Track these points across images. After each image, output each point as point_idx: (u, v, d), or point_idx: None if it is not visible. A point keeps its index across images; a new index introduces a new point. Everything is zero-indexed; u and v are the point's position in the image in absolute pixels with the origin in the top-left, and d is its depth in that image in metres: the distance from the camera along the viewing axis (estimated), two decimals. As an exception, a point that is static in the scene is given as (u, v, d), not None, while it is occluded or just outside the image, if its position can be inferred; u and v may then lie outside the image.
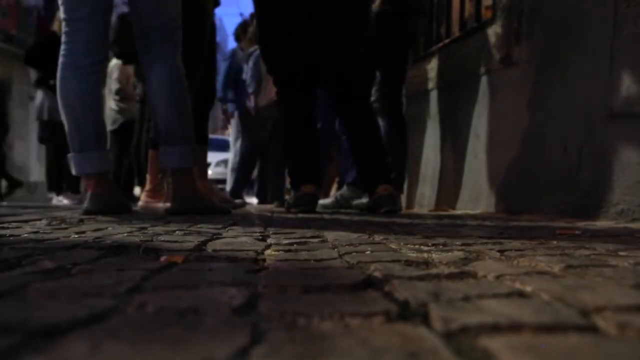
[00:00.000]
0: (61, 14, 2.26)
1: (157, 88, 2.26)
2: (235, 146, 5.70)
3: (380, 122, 2.95)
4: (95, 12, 2.23)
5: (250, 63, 5.11)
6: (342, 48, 2.56)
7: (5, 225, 1.50)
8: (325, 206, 3.07)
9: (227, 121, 6.03)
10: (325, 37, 2.53)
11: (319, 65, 2.59)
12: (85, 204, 2.23)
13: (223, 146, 6.12)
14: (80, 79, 2.22)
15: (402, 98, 3.31)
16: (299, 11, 2.51)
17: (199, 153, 2.60)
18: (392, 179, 2.83)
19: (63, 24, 2.26)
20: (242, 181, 5.45)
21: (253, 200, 5.46)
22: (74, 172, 2.29)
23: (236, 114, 5.63)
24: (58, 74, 2.24)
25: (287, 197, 4.10)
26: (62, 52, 2.23)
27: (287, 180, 5.76)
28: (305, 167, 2.72)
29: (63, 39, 2.24)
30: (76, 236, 1.20)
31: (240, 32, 5.87)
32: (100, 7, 2.24)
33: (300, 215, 2.34)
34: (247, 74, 5.20)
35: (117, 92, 5.37)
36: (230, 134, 5.88)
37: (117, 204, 2.25)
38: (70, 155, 2.25)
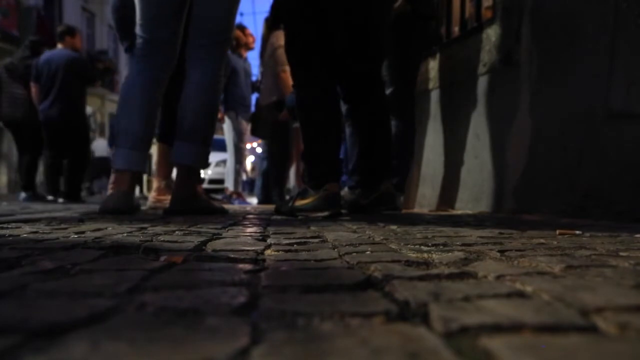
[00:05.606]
0: (137, 31, 2.34)
1: (196, 86, 2.33)
2: (232, 148, 5.72)
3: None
4: (176, 34, 2.36)
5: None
6: (362, 40, 2.52)
7: (5, 225, 1.50)
8: None
9: (221, 120, 6.08)
10: (346, 30, 2.49)
11: (339, 58, 2.54)
12: (108, 202, 2.23)
13: (223, 146, 6.11)
14: (150, 88, 2.33)
15: (414, 100, 3.23)
16: (321, 6, 2.48)
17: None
18: (396, 182, 2.82)
19: (139, 40, 2.35)
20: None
21: (253, 200, 5.46)
22: (118, 165, 2.29)
23: (233, 114, 5.66)
24: (132, 75, 2.34)
25: (287, 197, 4.09)
26: (138, 61, 2.33)
27: (287, 181, 5.75)
28: (332, 161, 2.37)
29: (140, 52, 2.34)
30: (76, 236, 1.20)
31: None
32: (178, 28, 2.36)
33: (299, 216, 2.32)
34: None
35: None
36: (225, 134, 5.90)
37: (134, 205, 2.33)
38: (119, 149, 2.30)
